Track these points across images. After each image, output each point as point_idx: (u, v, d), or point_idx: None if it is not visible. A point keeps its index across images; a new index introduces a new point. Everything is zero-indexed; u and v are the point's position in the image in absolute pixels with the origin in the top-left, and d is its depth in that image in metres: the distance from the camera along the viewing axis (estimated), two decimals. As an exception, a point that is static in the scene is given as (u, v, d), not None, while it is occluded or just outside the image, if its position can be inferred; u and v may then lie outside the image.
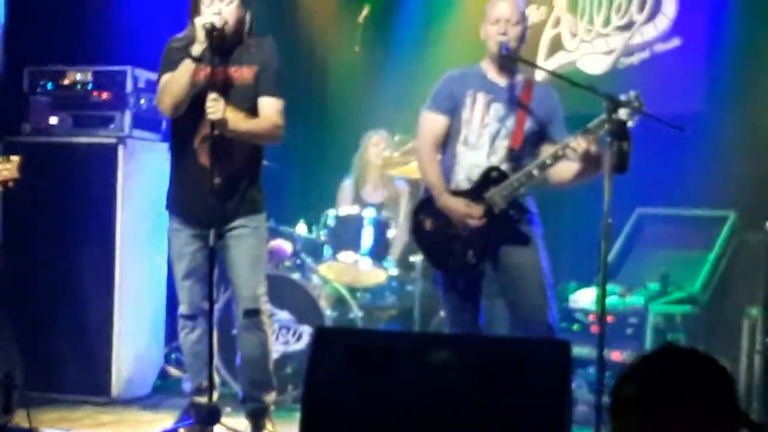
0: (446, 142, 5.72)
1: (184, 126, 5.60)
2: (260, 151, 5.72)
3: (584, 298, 7.13)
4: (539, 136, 5.67)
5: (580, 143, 5.31)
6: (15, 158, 5.32)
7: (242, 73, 5.56)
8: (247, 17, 5.59)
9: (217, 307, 6.18)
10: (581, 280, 7.44)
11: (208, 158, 5.41)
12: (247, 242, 5.62)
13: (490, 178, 5.55)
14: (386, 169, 7.87)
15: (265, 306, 5.70)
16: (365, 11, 7.94)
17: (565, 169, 5.52)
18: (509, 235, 5.58)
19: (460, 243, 5.58)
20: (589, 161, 5.36)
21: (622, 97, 5.22)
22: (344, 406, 3.85)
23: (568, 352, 3.62)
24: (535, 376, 3.54)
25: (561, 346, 3.68)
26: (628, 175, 5.15)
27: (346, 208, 7.70)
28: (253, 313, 5.63)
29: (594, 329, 6.73)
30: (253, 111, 5.57)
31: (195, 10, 5.50)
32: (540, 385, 3.52)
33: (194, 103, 5.49)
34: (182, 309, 5.75)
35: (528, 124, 5.61)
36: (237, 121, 5.46)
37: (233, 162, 5.53)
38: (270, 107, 5.58)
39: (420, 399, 3.74)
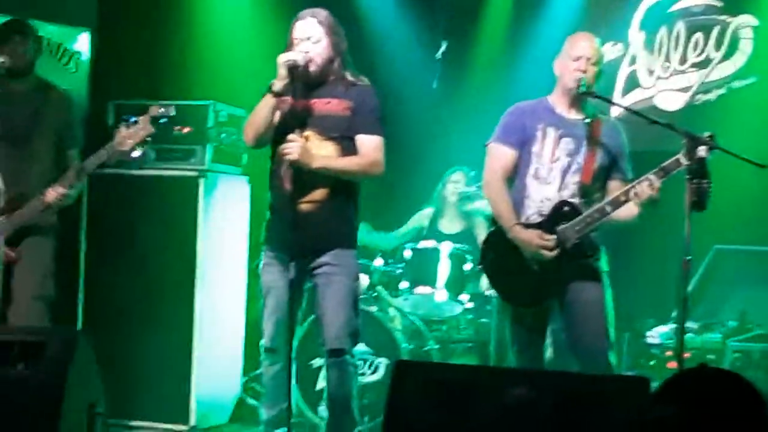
0: (515, 175, 5.74)
1: (273, 155, 5.65)
2: (350, 186, 5.69)
3: (660, 333, 7.11)
4: (608, 171, 5.67)
5: (644, 190, 5.31)
6: (144, 117, 5.81)
7: (335, 106, 5.58)
8: (339, 57, 5.62)
9: (297, 336, 6.22)
10: (658, 316, 7.42)
11: (291, 185, 5.49)
12: (336, 280, 5.61)
13: (561, 212, 5.54)
14: (462, 205, 7.94)
15: (352, 345, 5.70)
16: (442, 48, 7.99)
17: (629, 206, 5.51)
18: (578, 271, 5.57)
19: (529, 277, 5.59)
20: (650, 205, 5.37)
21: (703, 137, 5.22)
22: (423, 438, 3.89)
23: (647, 388, 3.63)
24: (614, 412, 3.55)
25: (641, 383, 3.68)
26: (705, 212, 5.15)
27: (423, 241, 7.75)
28: (338, 353, 5.65)
29: (670, 365, 6.72)
30: (342, 143, 5.59)
31: (288, 51, 5.57)
32: (620, 421, 3.53)
33: (279, 132, 5.55)
34: (265, 341, 5.79)
35: (599, 159, 5.61)
36: (326, 158, 5.53)
37: (319, 189, 5.54)
38: (368, 145, 5.59)
39: (499, 433, 3.77)
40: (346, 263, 5.66)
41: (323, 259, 5.59)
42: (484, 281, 7.51)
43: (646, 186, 5.30)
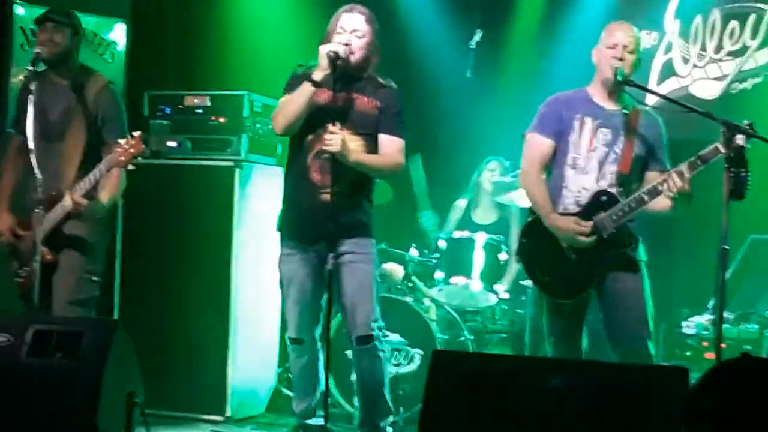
0: (552, 165, 5.75)
1: (299, 144, 5.72)
2: (369, 180, 5.84)
3: (696, 324, 7.09)
4: (645, 161, 5.66)
5: (675, 181, 5.29)
6: (136, 133, 5.58)
7: (364, 102, 5.68)
8: (375, 57, 5.71)
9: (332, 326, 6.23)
10: (694, 306, 7.39)
11: (320, 174, 5.56)
12: (359, 268, 5.69)
13: (599, 201, 5.54)
14: (497, 195, 7.92)
15: (378, 331, 5.76)
16: (477, 37, 7.97)
17: (662, 199, 5.49)
18: (615, 260, 5.56)
19: (566, 267, 5.59)
20: (683, 199, 5.36)
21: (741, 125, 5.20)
22: (461, 428, 3.89)
23: (686, 378, 3.62)
24: (654, 402, 3.54)
25: (680, 372, 3.68)
26: (742, 202, 5.12)
27: (458, 231, 7.74)
28: (365, 340, 5.70)
29: (707, 356, 6.69)
30: (367, 139, 5.68)
31: (326, 40, 5.62)
32: (660, 410, 3.52)
33: (311, 121, 5.61)
34: (290, 332, 5.85)
35: (636, 149, 5.60)
36: (360, 152, 5.61)
37: (343, 181, 5.60)
38: (392, 146, 5.72)
39: (537, 424, 3.77)
40: (368, 251, 5.75)
41: (344, 247, 5.65)
42: (513, 268, 7.53)
43: (677, 177, 5.28)
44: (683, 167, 5.30)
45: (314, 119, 5.59)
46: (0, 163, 6.10)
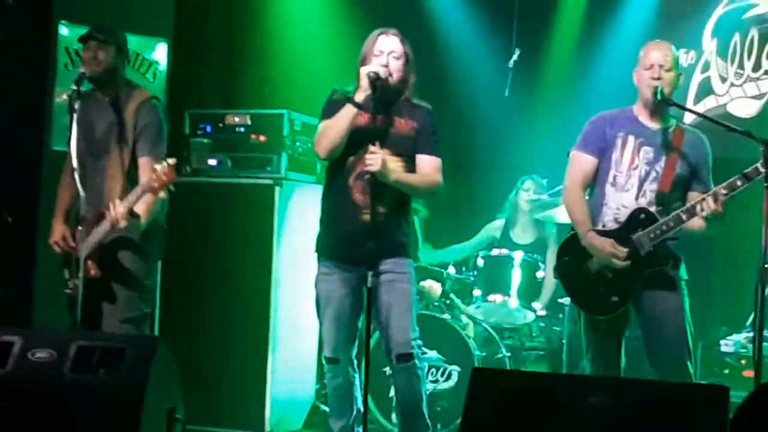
0: (594, 183, 5.77)
1: (340, 165, 5.76)
2: (407, 202, 5.89)
3: (735, 342, 7.07)
4: (688, 181, 5.65)
5: (709, 204, 5.31)
6: (171, 161, 5.53)
7: (402, 125, 5.73)
8: (411, 78, 5.76)
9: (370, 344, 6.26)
10: (731, 324, 7.38)
11: (362, 195, 5.61)
12: (398, 287, 5.72)
13: (637, 219, 5.54)
14: (534, 213, 7.95)
15: (417, 349, 5.78)
16: (515, 56, 8.01)
17: (698, 220, 5.49)
18: (654, 279, 5.56)
19: (603, 284, 5.60)
20: (716, 221, 5.37)
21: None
22: (500, 446, 3.91)
23: (726, 397, 3.62)
24: (694, 420, 3.55)
25: (720, 391, 3.68)
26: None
27: (496, 249, 7.77)
28: (406, 358, 5.72)
29: (746, 374, 6.67)
30: (406, 161, 5.73)
31: (363, 63, 5.67)
32: (699, 429, 3.53)
33: (352, 143, 5.65)
34: (326, 352, 5.87)
35: (678, 168, 5.60)
36: (400, 172, 5.65)
37: (384, 201, 5.65)
38: (430, 165, 5.76)
39: (576, 441, 3.78)
40: (406, 270, 5.79)
41: (384, 267, 5.68)
42: (549, 285, 7.55)
43: (711, 200, 5.30)
44: (720, 188, 5.32)
45: (355, 141, 5.63)
46: (58, 180, 6.15)
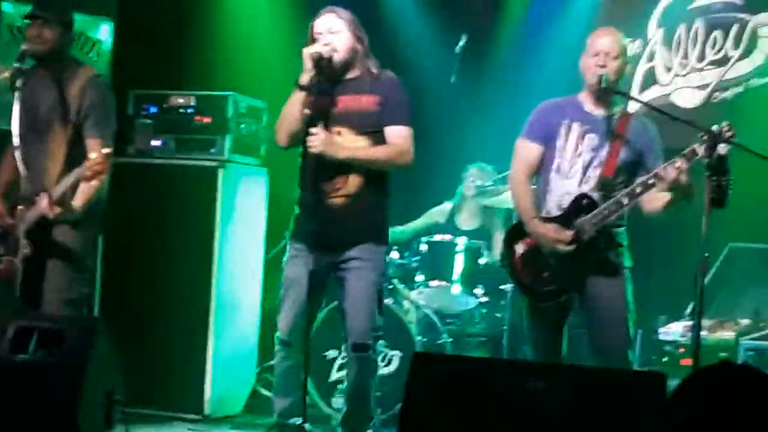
0: (540, 171, 5.78)
1: (305, 152, 5.64)
2: (382, 180, 5.75)
3: (673, 330, 7.13)
4: (635, 166, 5.66)
5: (668, 172, 5.33)
6: (105, 150, 5.47)
7: (362, 100, 5.64)
8: (361, 46, 5.67)
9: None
10: (670, 312, 7.43)
11: (325, 178, 5.55)
12: (363, 276, 5.66)
13: (580, 205, 5.56)
14: (479, 199, 7.96)
15: (375, 341, 5.77)
16: (462, 42, 8.00)
17: (657, 198, 5.51)
18: (597, 265, 5.59)
19: (548, 271, 5.62)
20: (679, 190, 5.38)
21: (714, 128, 5.22)
22: (440, 430, 3.91)
23: (664, 384, 3.64)
24: (631, 407, 3.57)
25: (657, 378, 3.70)
26: (720, 210, 5.16)
27: (439, 235, 7.78)
28: (362, 348, 5.69)
29: (684, 362, 6.73)
30: (375, 137, 5.64)
31: (309, 44, 5.63)
32: (637, 416, 3.55)
33: (308, 127, 5.54)
34: (281, 334, 5.81)
35: (623, 154, 5.61)
36: (350, 149, 5.57)
37: (349, 183, 5.60)
38: (397, 135, 5.65)
39: (515, 427, 3.79)
40: (375, 259, 5.72)
41: (352, 253, 5.64)
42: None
43: (671, 169, 5.31)
44: (678, 160, 5.32)
45: (310, 125, 5.52)
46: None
